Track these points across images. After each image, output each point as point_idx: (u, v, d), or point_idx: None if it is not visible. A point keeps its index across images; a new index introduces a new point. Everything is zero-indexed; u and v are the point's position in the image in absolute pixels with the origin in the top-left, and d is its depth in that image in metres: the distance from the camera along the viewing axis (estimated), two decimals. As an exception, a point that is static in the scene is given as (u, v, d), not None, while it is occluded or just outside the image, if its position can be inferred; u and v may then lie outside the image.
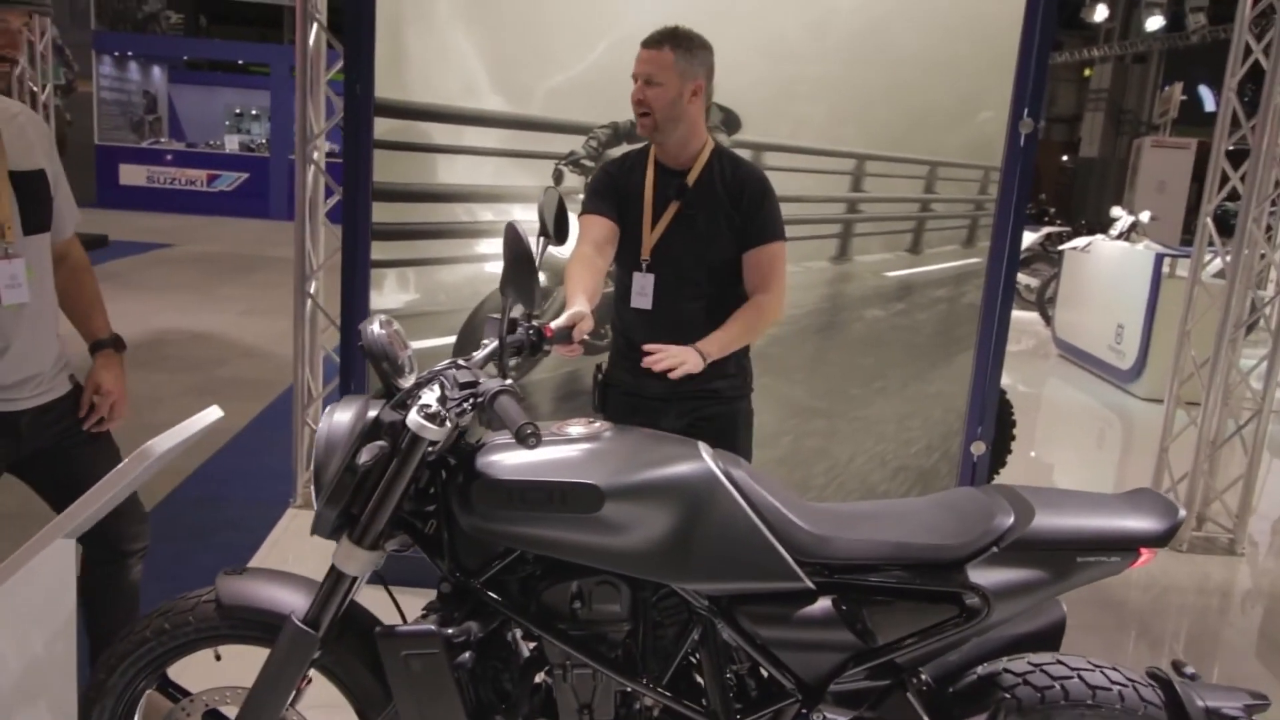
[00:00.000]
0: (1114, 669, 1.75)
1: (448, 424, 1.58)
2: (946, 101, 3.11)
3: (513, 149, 3.10)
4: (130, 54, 17.10)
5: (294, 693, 1.73)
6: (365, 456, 1.55)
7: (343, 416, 1.65)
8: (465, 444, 1.70)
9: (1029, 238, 11.48)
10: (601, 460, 1.64)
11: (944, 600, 1.65)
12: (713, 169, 2.39)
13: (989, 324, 3.21)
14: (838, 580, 1.67)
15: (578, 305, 2.14)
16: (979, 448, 3.29)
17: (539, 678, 1.78)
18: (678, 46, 2.30)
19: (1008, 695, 1.72)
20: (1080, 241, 8.98)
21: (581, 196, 3.17)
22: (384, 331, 1.66)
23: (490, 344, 1.84)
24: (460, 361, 1.72)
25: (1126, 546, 1.66)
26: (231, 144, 16.76)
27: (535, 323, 1.95)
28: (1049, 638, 1.85)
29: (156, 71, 18.04)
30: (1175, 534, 1.68)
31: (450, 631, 1.65)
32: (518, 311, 1.94)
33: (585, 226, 2.43)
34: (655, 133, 2.36)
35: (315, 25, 3.66)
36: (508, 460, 1.65)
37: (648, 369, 2.17)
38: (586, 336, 2.07)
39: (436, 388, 1.61)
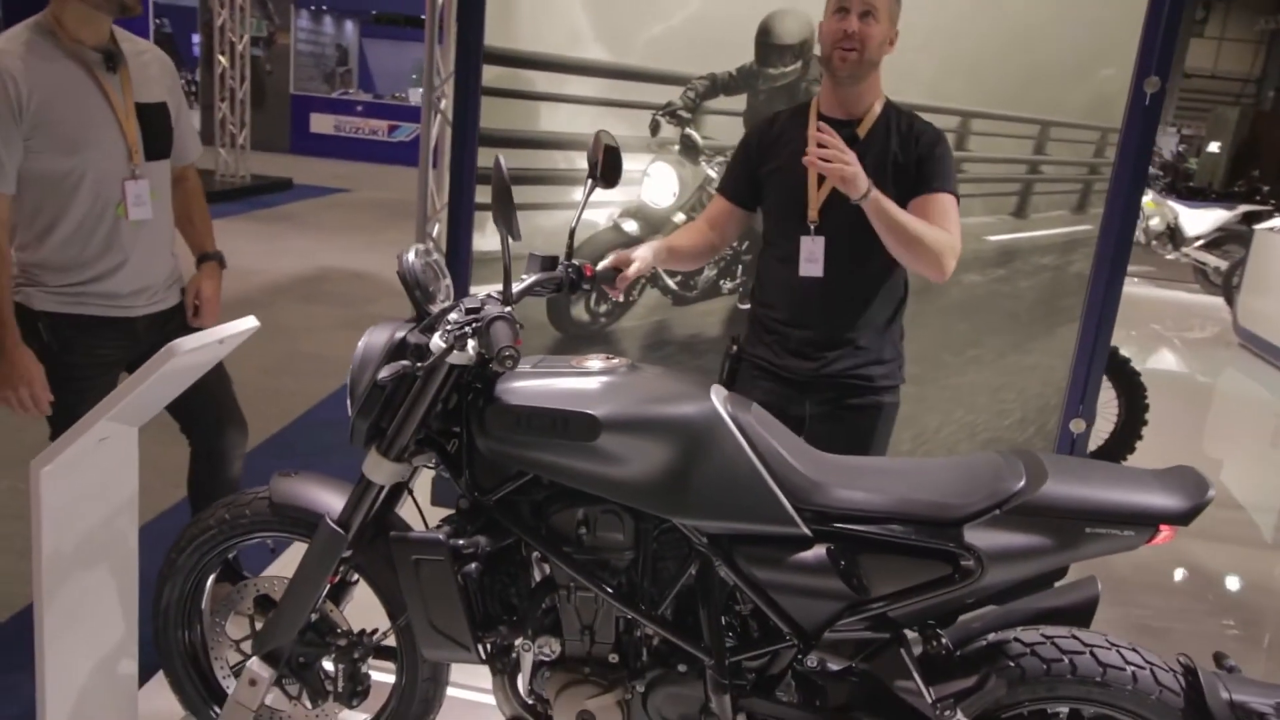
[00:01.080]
0: (1132, 649, 1.69)
1: (469, 347, 1.68)
2: (1065, 56, 2.94)
3: (612, 98, 3.16)
4: (325, 8, 18.12)
5: (327, 586, 1.89)
6: (385, 373, 1.67)
7: (377, 337, 1.79)
8: (492, 370, 1.80)
9: (1223, 215, 10.58)
10: (607, 392, 1.70)
11: (938, 558, 1.63)
12: (886, 121, 2.20)
13: (1097, 296, 3.03)
14: (834, 529, 1.68)
15: (641, 250, 2.19)
16: (1079, 425, 3.14)
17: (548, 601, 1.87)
18: None
19: (1011, 664, 1.69)
20: (1276, 222, 8.24)
21: (677, 147, 3.22)
22: (419, 260, 1.77)
23: (528, 278, 1.92)
24: (493, 294, 1.82)
25: (1142, 521, 1.58)
26: (415, 96, 17.55)
27: (576, 261, 2.01)
28: (1080, 614, 1.79)
29: (349, 25, 19.04)
30: (1198, 513, 1.58)
31: (460, 543, 1.76)
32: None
33: (710, 204, 2.42)
34: (856, 70, 2.13)
35: (445, -24, 3.82)
36: (522, 386, 1.74)
37: (804, 351, 2.17)
38: (632, 276, 2.11)
39: (458, 314, 1.71)
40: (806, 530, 1.67)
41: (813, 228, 2.20)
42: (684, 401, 1.71)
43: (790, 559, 1.69)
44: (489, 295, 1.80)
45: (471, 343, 1.66)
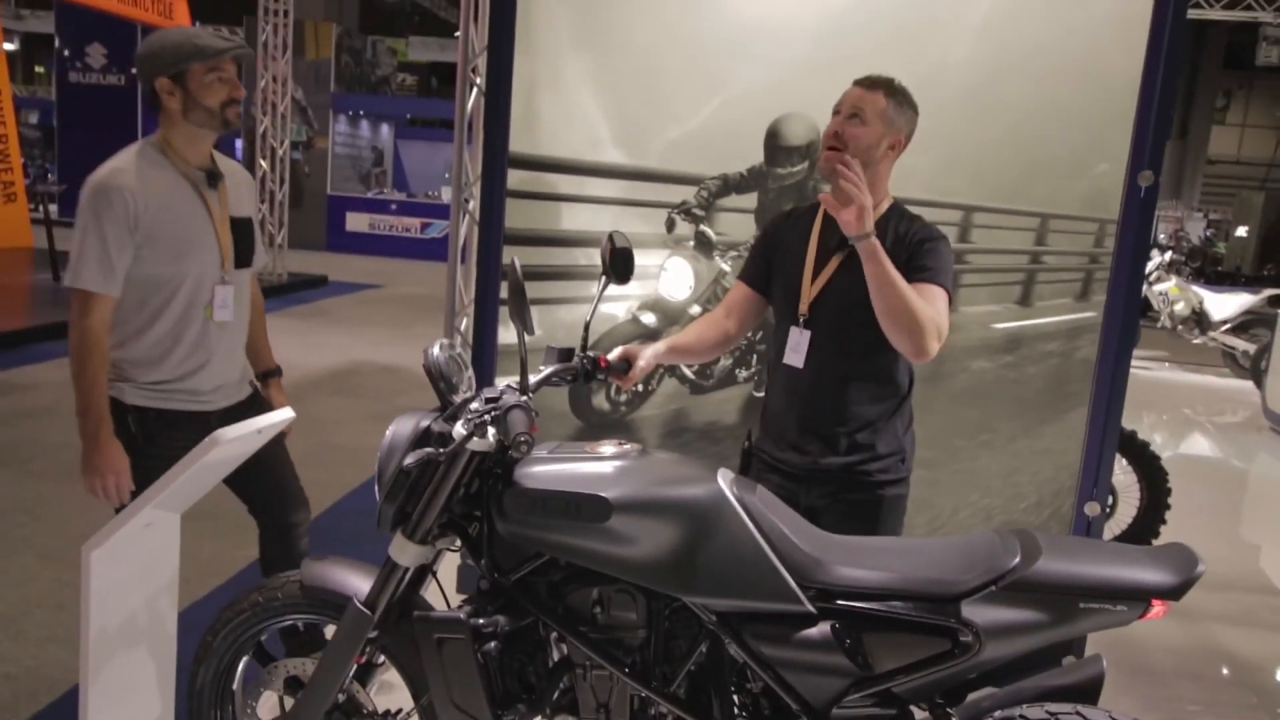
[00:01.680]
0: (1135, 724, 1.72)
1: (489, 435, 1.79)
2: (1060, 153, 3.08)
3: (630, 198, 3.33)
4: (363, 113, 18.88)
5: (354, 667, 1.97)
6: (410, 460, 1.78)
7: (403, 426, 1.90)
8: (510, 455, 1.91)
9: (1249, 299, 10.61)
10: (619, 476, 1.80)
11: (938, 633, 1.69)
12: (886, 224, 2.21)
13: (1104, 380, 3.11)
14: (837, 606, 1.74)
15: (653, 345, 2.30)
16: (1093, 508, 3.18)
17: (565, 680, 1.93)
18: (892, 95, 2.22)
19: (1016, 740, 1.72)
20: (1300, 305, 8.28)
21: (692, 243, 3.37)
22: (442, 354, 1.90)
23: (545, 370, 2.04)
24: (511, 384, 1.93)
25: (1134, 596, 1.64)
26: (448, 194, 18.12)
27: (591, 353, 2.13)
28: (1086, 691, 1.83)
29: (385, 128, 19.79)
30: (1189, 588, 1.64)
31: (480, 622, 1.85)
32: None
33: (730, 290, 2.48)
34: (835, 172, 2.15)
35: (474, 89, 4.06)
36: (538, 471, 1.84)
37: (797, 443, 2.20)
38: (643, 365, 2.22)
39: (478, 403, 1.83)
40: (811, 607, 1.74)
41: (802, 320, 2.25)
42: (692, 484, 1.80)
43: (796, 636, 1.75)
44: (508, 386, 1.91)
45: (491, 430, 1.77)
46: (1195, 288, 10.95)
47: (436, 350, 1.90)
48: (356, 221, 17.21)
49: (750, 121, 3.20)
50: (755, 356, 3.34)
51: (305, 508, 2.71)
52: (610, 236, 2.09)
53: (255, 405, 2.59)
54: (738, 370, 3.38)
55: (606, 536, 1.75)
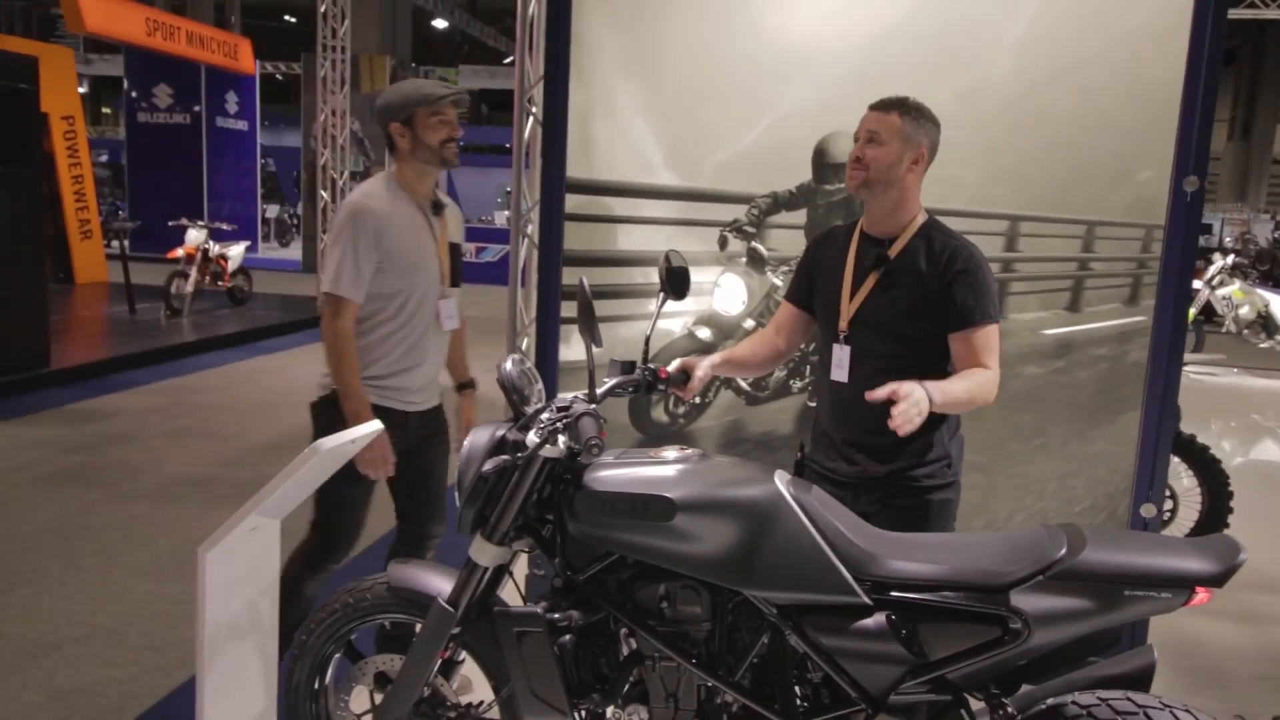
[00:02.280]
0: (1185, 709, 1.79)
1: (560, 442, 1.93)
2: (1103, 160, 3.15)
3: (683, 218, 3.46)
4: (418, 142, 19.31)
5: (439, 662, 2.11)
6: (488, 466, 1.93)
7: (480, 437, 2.05)
8: (579, 461, 2.04)
9: (1311, 302, 10.44)
10: (682, 478, 1.92)
11: (988, 621, 1.78)
12: (919, 241, 2.31)
13: (1156, 383, 3.16)
14: (891, 598, 1.84)
15: (709, 358, 2.43)
16: (1149, 510, 3.21)
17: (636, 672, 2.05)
18: (906, 113, 2.30)
19: (1067, 726, 1.80)
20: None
21: (745, 260, 3.49)
22: (515, 369, 2.05)
23: (609, 381, 2.18)
24: (580, 395, 2.07)
25: (1178, 584, 1.71)
26: (500, 219, 18.44)
27: (652, 365, 2.27)
28: (1138, 681, 1.90)
29: (439, 156, 20.23)
30: (1231, 575, 1.71)
31: (555, 617, 1.98)
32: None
33: (779, 310, 2.60)
34: (863, 189, 2.31)
35: (530, 118, 4.24)
36: (606, 475, 1.97)
37: (845, 453, 2.33)
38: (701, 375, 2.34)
39: (549, 413, 1.97)
40: (866, 599, 1.84)
41: (842, 336, 2.36)
42: (750, 484, 1.92)
43: (853, 626, 1.85)
44: (576, 396, 2.05)
45: (562, 437, 1.91)
46: (1261, 291, 10.77)
47: (509, 365, 2.05)
48: (413, 248, 17.58)
49: (798, 140, 3.32)
50: (809, 367, 3.44)
51: (444, 523, 2.96)
52: (667, 256, 2.22)
53: (440, 415, 2.98)
54: (792, 381, 3.48)
55: (671, 535, 1.87)
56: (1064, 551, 1.77)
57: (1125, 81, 3.10)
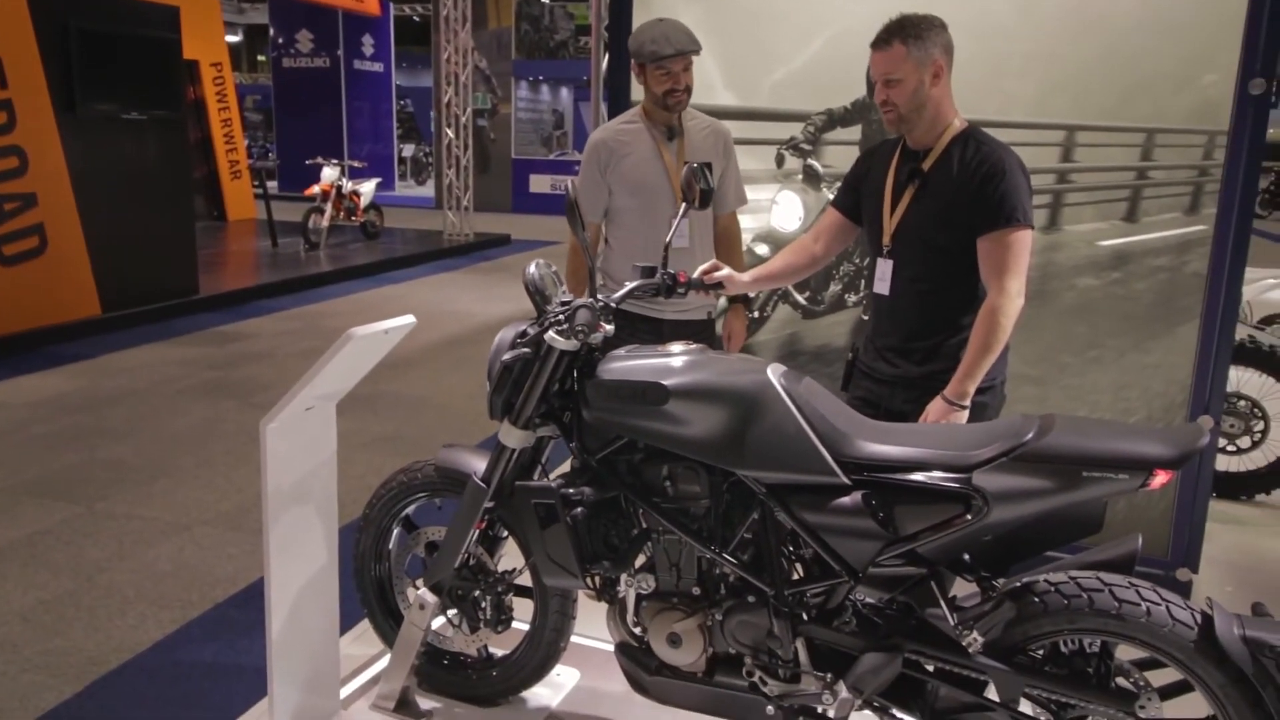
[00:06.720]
0: (1151, 589, 1.88)
1: (576, 337, 2.14)
2: (1166, 67, 3.07)
3: (742, 137, 3.56)
4: (542, 78, 19.64)
5: (476, 532, 2.38)
6: (508, 356, 2.15)
7: (507, 333, 2.29)
8: (596, 355, 2.24)
9: None
10: (679, 368, 2.10)
11: (952, 499, 1.90)
12: (953, 152, 2.36)
13: (1216, 293, 3.11)
14: (868, 478, 1.98)
15: (740, 275, 2.58)
16: (1206, 422, 3.19)
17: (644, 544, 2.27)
18: (906, 38, 2.31)
19: (1036, 599, 1.92)
20: None
21: (801, 177, 3.58)
22: (538, 271, 2.26)
23: (630, 284, 2.36)
24: (599, 296, 2.27)
25: (1136, 467, 1.79)
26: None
27: (671, 269, 2.43)
28: (1121, 566, 1.99)
29: (564, 91, 20.50)
30: (1189, 459, 1.78)
31: (569, 491, 2.21)
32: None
33: (822, 215, 2.72)
34: (901, 124, 2.39)
35: (607, 52, 4.39)
36: (614, 366, 2.17)
37: (886, 357, 2.48)
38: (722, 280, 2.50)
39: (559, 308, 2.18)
40: (845, 479, 1.99)
41: (885, 250, 2.48)
42: (742, 374, 2.08)
43: (833, 504, 2.00)
44: (597, 295, 2.25)
45: (568, 329, 2.12)
46: None
47: (533, 269, 2.26)
48: (539, 183, 18.03)
49: (852, 57, 3.33)
50: (863, 282, 3.52)
51: None
52: (688, 167, 2.37)
53: (709, 328, 3.25)
54: (847, 295, 3.58)
55: (666, 418, 2.06)
56: (1030, 436, 1.87)
57: (1189, -17, 3.01)
